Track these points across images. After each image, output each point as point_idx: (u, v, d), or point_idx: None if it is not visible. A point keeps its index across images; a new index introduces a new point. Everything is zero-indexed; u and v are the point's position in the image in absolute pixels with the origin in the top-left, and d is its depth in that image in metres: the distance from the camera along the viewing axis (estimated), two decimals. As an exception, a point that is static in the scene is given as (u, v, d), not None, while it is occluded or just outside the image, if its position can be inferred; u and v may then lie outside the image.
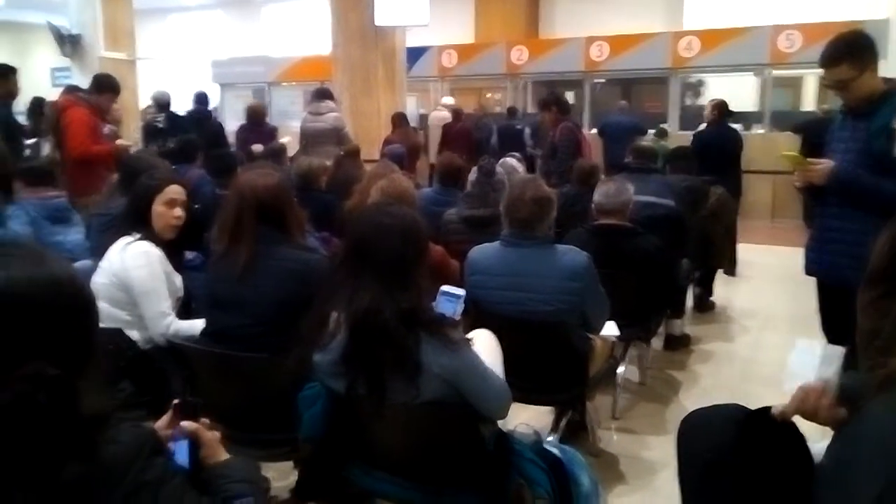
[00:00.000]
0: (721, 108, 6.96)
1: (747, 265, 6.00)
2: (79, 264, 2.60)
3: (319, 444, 1.92)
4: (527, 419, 2.52)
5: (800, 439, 1.37)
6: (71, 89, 5.59)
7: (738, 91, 10.47)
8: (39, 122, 6.47)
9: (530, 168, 7.53)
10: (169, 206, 2.61)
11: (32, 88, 8.54)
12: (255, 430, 2.18)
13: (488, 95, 13.11)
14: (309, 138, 6.81)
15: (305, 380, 1.92)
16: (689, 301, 4.89)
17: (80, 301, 1.01)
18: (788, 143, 8.10)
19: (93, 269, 2.56)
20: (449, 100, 10.38)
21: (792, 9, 10.28)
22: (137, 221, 2.59)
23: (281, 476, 2.51)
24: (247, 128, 7.59)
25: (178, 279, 2.62)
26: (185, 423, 1.25)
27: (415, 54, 11.01)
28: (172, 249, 2.63)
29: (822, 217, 2.86)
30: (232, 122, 9.40)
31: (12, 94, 5.45)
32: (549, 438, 2.73)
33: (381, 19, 8.62)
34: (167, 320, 2.49)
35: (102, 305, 2.33)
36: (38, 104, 7.23)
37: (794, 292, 4.78)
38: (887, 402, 1.11)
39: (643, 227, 3.47)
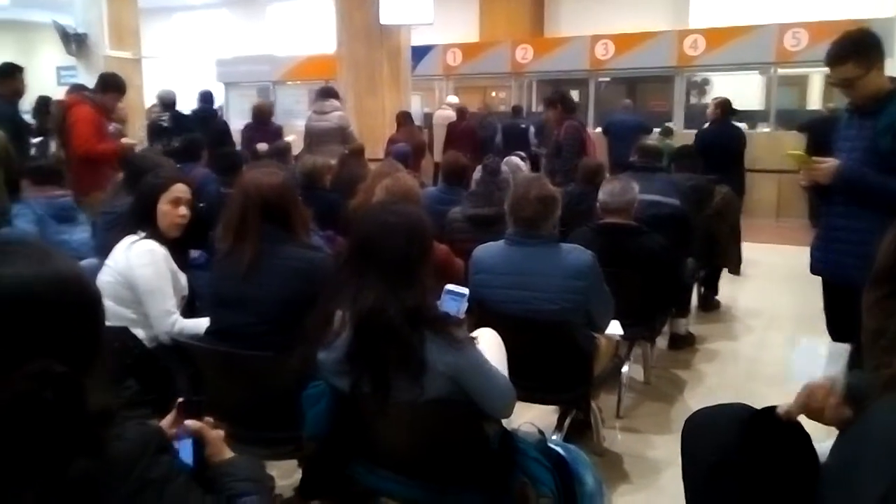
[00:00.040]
0: (724, 106, 6.91)
1: (752, 264, 5.97)
2: (84, 263, 2.61)
3: (323, 442, 1.92)
4: (531, 418, 2.52)
5: (805, 439, 1.36)
6: (76, 88, 5.62)
7: (744, 90, 10.43)
8: (45, 120, 6.49)
9: (535, 167, 7.54)
10: (174, 204, 2.61)
11: (38, 87, 8.55)
12: (260, 428, 2.18)
13: (493, 94, 13.13)
14: (313, 137, 6.80)
15: (310, 378, 1.93)
16: (694, 300, 4.89)
17: (87, 298, 1.01)
18: (794, 142, 8.10)
19: (98, 268, 2.56)
20: (453, 98, 10.35)
21: (798, 7, 10.23)
22: (142, 220, 2.59)
23: (285, 474, 2.51)
24: (252, 126, 7.59)
25: (182, 278, 2.63)
26: (189, 422, 1.25)
27: (419, 53, 11.00)
28: (177, 248, 2.63)
29: (828, 216, 2.85)
30: (237, 121, 9.40)
31: (18, 92, 5.46)
32: (554, 437, 2.73)
33: (385, 18, 8.63)
34: (172, 318, 2.50)
35: (108, 304, 2.32)
36: (43, 103, 7.24)
37: (800, 291, 4.76)
38: (893, 402, 1.11)
39: (648, 226, 3.46)
